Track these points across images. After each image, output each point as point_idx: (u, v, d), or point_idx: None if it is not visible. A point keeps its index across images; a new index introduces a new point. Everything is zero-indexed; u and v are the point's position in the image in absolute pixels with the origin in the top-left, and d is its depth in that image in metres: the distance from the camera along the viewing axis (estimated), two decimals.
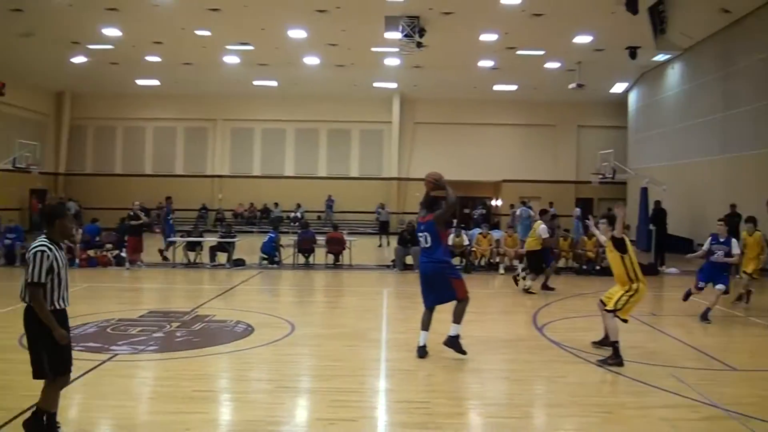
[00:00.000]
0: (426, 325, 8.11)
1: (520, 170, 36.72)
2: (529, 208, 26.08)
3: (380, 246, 26.80)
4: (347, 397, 6.55)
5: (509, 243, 18.54)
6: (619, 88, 34.44)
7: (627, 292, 8.01)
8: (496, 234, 19.80)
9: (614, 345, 7.85)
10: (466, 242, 18.18)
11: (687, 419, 6.02)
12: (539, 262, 14.23)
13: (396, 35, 23.53)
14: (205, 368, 7.70)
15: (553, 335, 9.59)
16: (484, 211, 34.78)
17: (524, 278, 14.39)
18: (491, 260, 18.60)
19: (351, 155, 37.69)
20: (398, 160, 37.03)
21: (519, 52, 27.48)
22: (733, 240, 10.76)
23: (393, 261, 18.64)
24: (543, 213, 15.09)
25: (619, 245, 8.10)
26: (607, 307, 8.06)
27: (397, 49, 25.09)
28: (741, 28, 22.54)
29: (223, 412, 6.29)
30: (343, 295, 14.98)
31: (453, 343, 7.95)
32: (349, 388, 6.88)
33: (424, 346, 8.05)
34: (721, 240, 10.77)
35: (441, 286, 8.03)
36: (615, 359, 7.78)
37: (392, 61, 29.14)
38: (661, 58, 28.54)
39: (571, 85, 29.43)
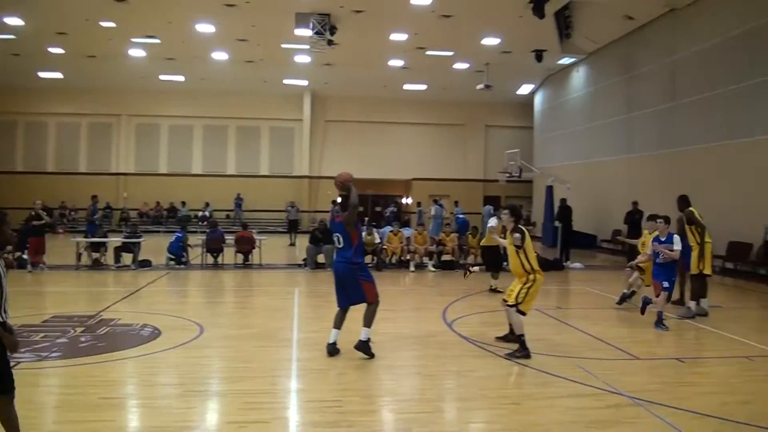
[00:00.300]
0: (338, 324, 8.11)
1: (430, 169, 37.28)
2: (441, 206, 26.52)
3: (291, 245, 26.59)
4: (258, 398, 6.46)
5: (419, 240, 18.82)
6: (525, 89, 35.49)
7: (525, 284, 8.20)
8: (406, 232, 19.98)
9: (520, 339, 8.07)
10: (378, 240, 18.29)
11: (593, 407, 6.27)
12: (496, 258, 14.24)
13: (306, 32, 23.37)
14: (112, 374, 7.43)
15: (462, 330, 9.78)
16: (395, 209, 35.09)
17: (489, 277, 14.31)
18: (402, 258, 18.77)
19: (261, 153, 37.23)
20: (309, 157, 36.90)
21: (428, 53, 27.88)
22: (675, 236, 10.45)
23: (304, 260, 18.54)
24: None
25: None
26: (509, 303, 8.25)
27: (307, 46, 24.93)
28: (643, 34, 23.67)
29: (131, 419, 6.08)
30: (253, 295, 14.75)
31: (363, 347, 7.96)
32: (260, 389, 6.79)
33: (334, 344, 8.05)
34: (662, 240, 10.49)
35: (351, 287, 8.04)
36: (522, 352, 8.00)
37: (303, 58, 28.97)
38: (566, 61, 29.57)
39: (479, 86, 30.03)
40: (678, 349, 9.16)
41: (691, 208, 11.75)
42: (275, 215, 34.93)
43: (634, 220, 19.87)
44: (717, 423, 5.92)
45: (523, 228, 8.35)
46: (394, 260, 18.96)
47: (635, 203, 20.38)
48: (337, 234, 8.11)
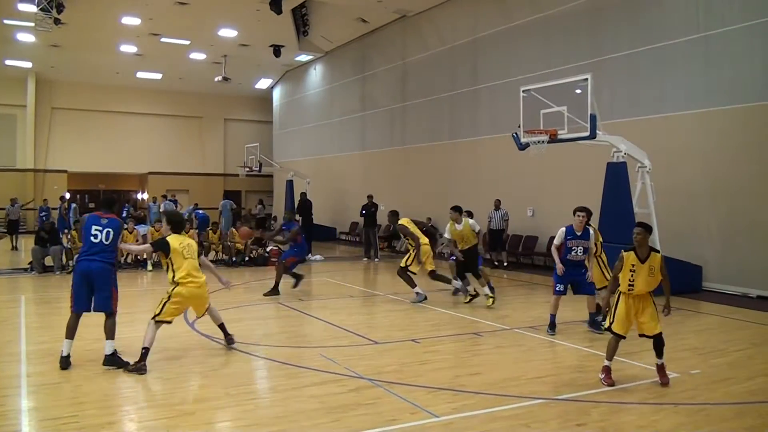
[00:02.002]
0: (71, 334, 7.37)
1: (167, 162, 36.01)
2: (174, 201, 25.61)
3: (14, 249, 23.90)
4: None
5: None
6: (264, 83, 35.66)
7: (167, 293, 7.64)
8: (141, 229, 18.91)
9: (143, 349, 7.32)
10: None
11: (335, 393, 6.46)
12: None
13: (31, 8, 21.11)
14: None
15: (204, 329, 9.53)
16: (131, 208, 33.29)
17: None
18: (139, 257, 17.81)
19: None
20: (34, 148, 33.52)
21: (163, 40, 26.79)
22: (592, 232, 9.28)
23: (30, 263, 16.79)
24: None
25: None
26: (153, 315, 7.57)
27: (32, 24, 22.53)
28: (376, 38, 25.09)
29: None
30: None
31: (112, 360, 7.35)
32: None
33: (68, 356, 7.36)
34: (579, 234, 9.15)
35: (103, 291, 7.41)
36: (138, 364, 7.21)
37: (26, 37, 26.20)
38: (304, 58, 30.26)
39: (217, 78, 29.70)
40: (413, 332, 9.72)
41: (401, 222, 12.37)
42: None
43: (369, 212, 20.89)
44: (450, 395, 6.43)
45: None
46: (130, 260, 17.95)
47: (370, 197, 21.44)
48: (108, 229, 7.49)
